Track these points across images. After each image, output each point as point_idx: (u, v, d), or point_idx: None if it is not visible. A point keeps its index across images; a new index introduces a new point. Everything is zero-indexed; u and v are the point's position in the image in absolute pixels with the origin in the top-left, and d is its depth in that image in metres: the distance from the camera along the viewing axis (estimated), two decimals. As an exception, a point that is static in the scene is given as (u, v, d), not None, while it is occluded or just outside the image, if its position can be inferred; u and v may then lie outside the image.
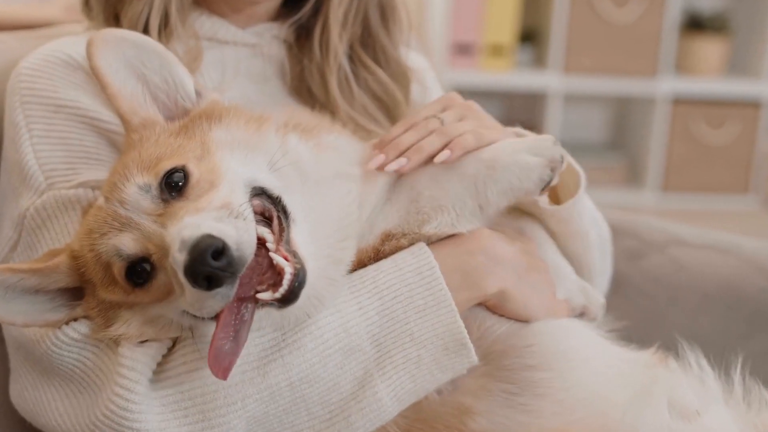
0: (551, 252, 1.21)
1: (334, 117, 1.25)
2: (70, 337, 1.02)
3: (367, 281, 1.03)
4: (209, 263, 0.84)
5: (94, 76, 1.04)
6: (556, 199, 1.19)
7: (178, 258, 0.85)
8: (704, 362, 1.11)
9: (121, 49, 1.04)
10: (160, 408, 0.97)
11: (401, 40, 1.38)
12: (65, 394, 1.04)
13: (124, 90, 1.04)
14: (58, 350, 1.02)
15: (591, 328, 1.14)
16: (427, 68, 1.50)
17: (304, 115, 1.18)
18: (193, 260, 0.84)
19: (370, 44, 1.35)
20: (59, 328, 1.02)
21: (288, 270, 0.89)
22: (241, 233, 0.87)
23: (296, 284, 0.90)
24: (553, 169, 1.06)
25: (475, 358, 1.02)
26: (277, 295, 0.89)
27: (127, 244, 0.93)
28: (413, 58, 1.44)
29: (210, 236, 0.85)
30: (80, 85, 1.15)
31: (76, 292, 1.02)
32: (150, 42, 1.06)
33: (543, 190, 1.08)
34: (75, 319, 1.03)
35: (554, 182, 1.08)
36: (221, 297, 0.87)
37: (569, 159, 1.14)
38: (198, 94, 1.08)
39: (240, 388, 0.97)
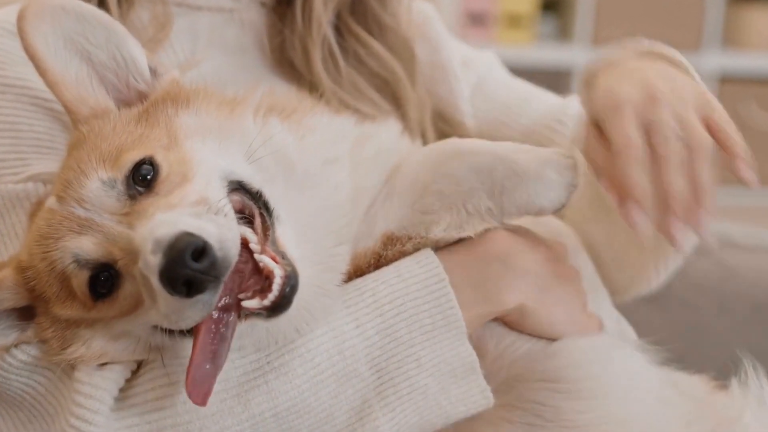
0: (583, 262, 1.20)
1: (320, 95, 1.24)
2: (20, 360, 1.01)
3: (366, 294, 1.02)
4: (189, 265, 0.82)
5: (29, 58, 1.01)
6: None
7: (152, 261, 0.84)
8: (764, 380, 1.13)
9: (60, 21, 1.01)
10: (123, 442, 0.96)
11: (399, 6, 1.37)
12: (13, 424, 1.03)
13: (67, 74, 1.02)
14: (5, 374, 1.01)
15: (625, 345, 1.14)
16: (430, 18, 1.48)
17: (281, 95, 1.16)
18: (170, 262, 0.83)
19: (361, 12, 1.34)
20: (6, 351, 1.01)
21: (278, 273, 0.89)
22: (223, 231, 0.86)
23: (288, 289, 0.89)
24: (569, 194, 1.06)
25: (486, 387, 1.01)
26: (266, 302, 0.88)
27: (87, 248, 0.92)
28: (415, 8, 1.43)
29: (189, 234, 0.84)
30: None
31: (25, 312, 1.01)
32: (93, 11, 1.03)
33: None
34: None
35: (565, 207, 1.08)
36: (202, 306, 0.86)
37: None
38: (153, 72, 1.07)
39: (217, 419, 0.96)
